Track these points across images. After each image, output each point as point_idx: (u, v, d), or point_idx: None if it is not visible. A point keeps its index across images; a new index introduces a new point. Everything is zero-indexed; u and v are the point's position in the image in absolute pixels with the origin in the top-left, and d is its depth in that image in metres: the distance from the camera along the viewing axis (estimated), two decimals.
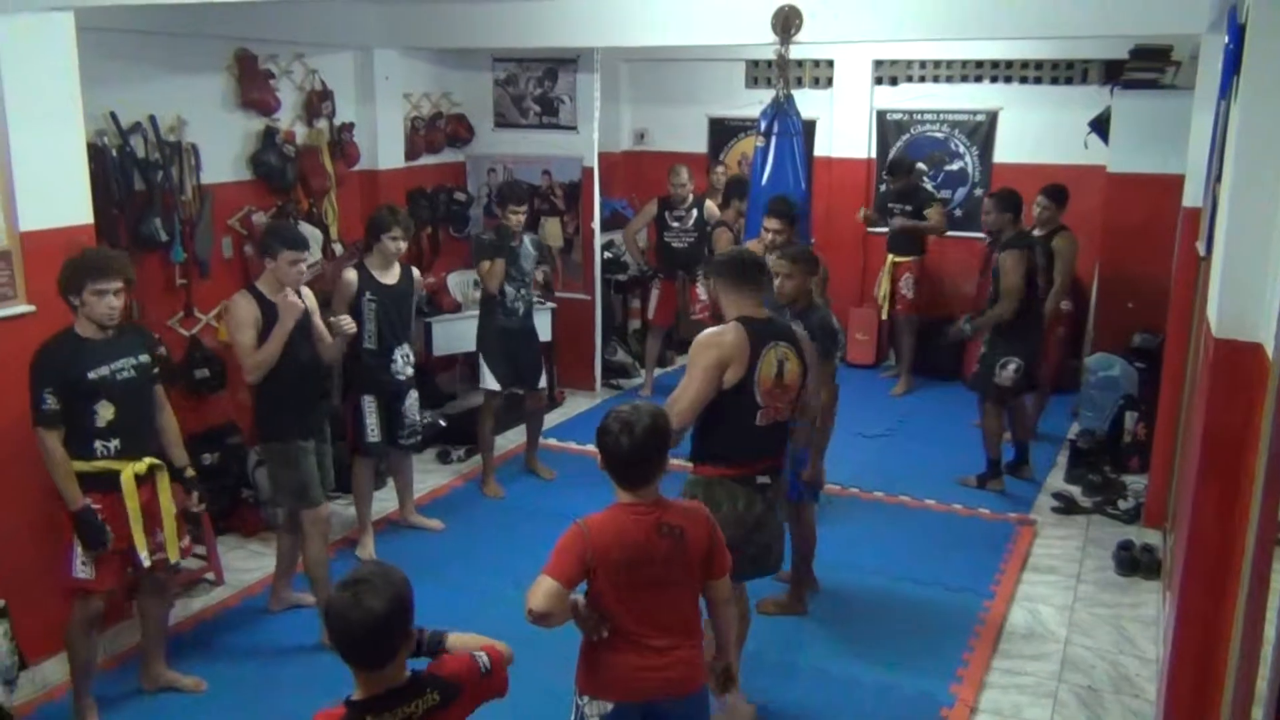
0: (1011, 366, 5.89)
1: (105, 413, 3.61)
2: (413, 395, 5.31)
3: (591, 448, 6.31)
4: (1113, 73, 7.62)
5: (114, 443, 3.65)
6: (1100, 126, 7.35)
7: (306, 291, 4.50)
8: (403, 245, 5.07)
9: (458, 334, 6.97)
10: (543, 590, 2.57)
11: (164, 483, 3.83)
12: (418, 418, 5.36)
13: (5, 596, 3.45)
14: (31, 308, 4.02)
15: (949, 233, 7.91)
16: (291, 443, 4.35)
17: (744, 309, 3.54)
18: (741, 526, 3.49)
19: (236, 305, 4.26)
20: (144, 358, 3.76)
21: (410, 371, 5.28)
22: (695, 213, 7.51)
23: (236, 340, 4.25)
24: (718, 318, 4.11)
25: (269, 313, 4.23)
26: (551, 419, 6.86)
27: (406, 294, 5.17)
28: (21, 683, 3.73)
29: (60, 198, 4.11)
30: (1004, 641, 4.52)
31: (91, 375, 3.56)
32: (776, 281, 4.31)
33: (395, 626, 2.18)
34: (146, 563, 3.76)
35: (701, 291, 7.59)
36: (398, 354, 5.17)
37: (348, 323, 4.55)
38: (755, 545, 3.59)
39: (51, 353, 3.58)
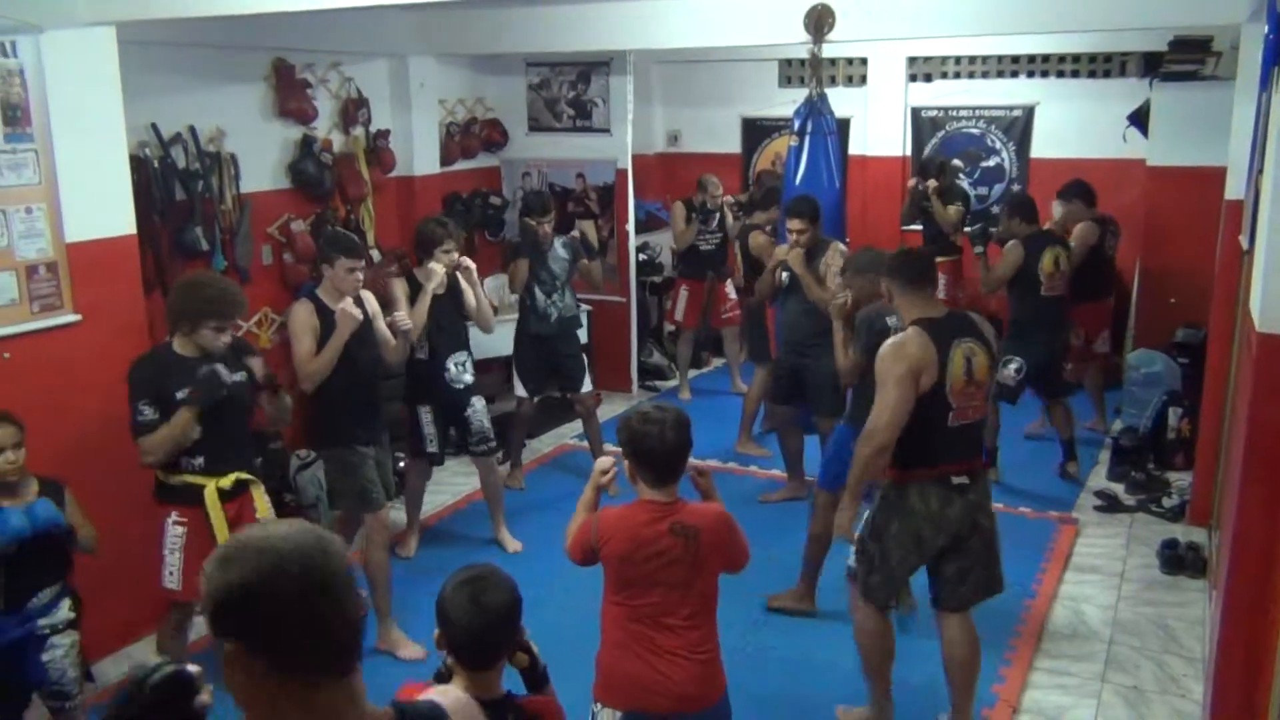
0: (1013, 366, 5.87)
1: (194, 433, 3.64)
2: (478, 402, 5.28)
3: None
4: (1152, 65, 7.52)
5: (199, 460, 3.69)
6: (1139, 119, 7.26)
7: (369, 296, 4.56)
8: (455, 257, 5.07)
9: (493, 339, 7.00)
10: (570, 555, 2.87)
11: (259, 497, 3.82)
12: (486, 424, 5.29)
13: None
14: (78, 317, 4.10)
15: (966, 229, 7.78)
16: (351, 449, 4.40)
17: (921, 309, 3.47)
18: (939, 529, 3.44)
19: (296, 313, 4.33)
20: (238, 375, 3.74)
21: (468, 379, 5.26)
22: (719, 214, 7.54)
23: (295, 348, 4.29)
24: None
25: (328, 321, 4.27)
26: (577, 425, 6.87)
27: (457, 302, 5.18)
28: None
29: (104, 209, 4.20)
30: (1046, 641, 4.48)
31: (180, 395, 3.58)
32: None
33: (512, 622, 2.21)
34: None
35: (730, 291, 7.59)
36: (451, 362, 5.18)
37: (404, 319, 4.61)
38: (970, 556, 3.51)
39: (144, 367, 3.65)
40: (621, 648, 2.80)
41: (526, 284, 5.90)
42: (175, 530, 3.70)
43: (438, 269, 4.82)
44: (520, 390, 6.04)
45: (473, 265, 5.15)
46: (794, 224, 5.24)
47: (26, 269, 3.93)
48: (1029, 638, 4.48)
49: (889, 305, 3.97)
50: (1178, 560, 5.07)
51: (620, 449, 2.86)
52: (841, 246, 5.27)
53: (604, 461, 2.94)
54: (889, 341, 3.45)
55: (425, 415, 5.22)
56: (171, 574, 3.72)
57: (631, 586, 2.77)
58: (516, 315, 6.09)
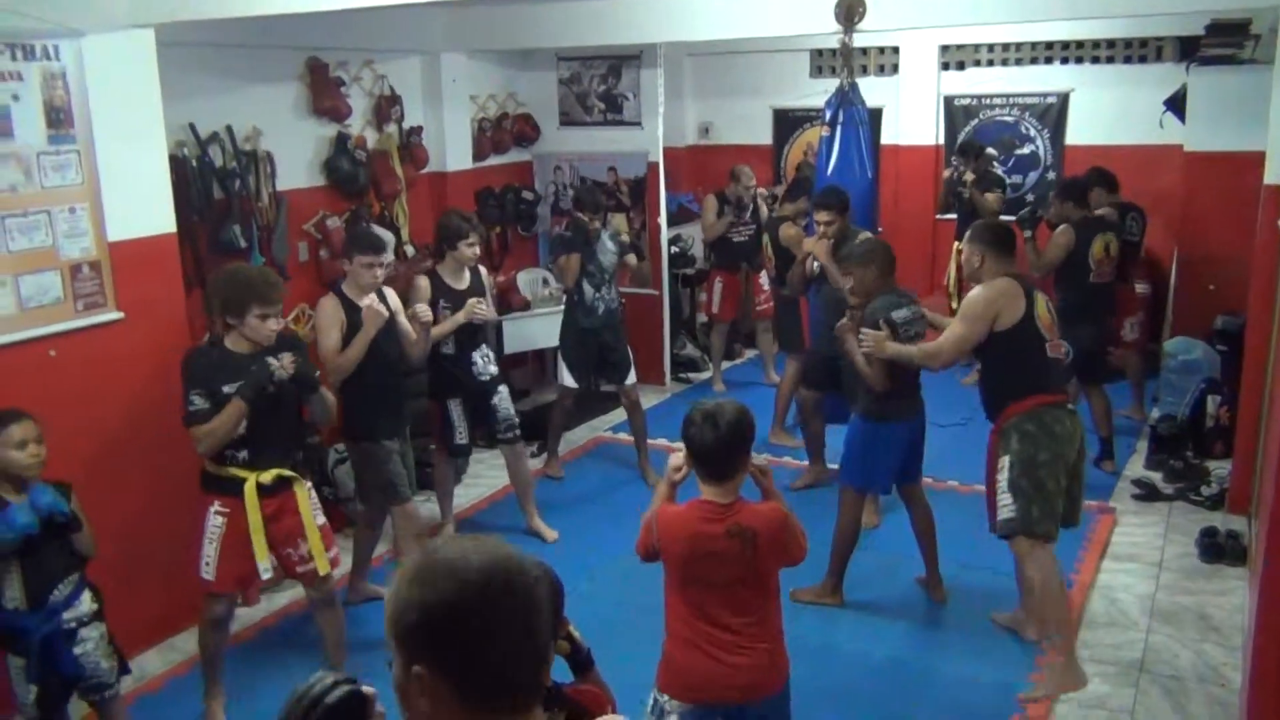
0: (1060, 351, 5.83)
1: (240, 423, 3.69)
2: (502, 390, 5.37)
3: (664, 441, 6.39)
4: (1188, 49, 7.42)
5: (243, 453, 3.75)
6: (1176, 105, 7.18)
7: (391, 293, 4.63)
8: (477, 250, 5.14)
9: (528, 332, 7.06)
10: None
11: (302, 495, 3.86)
12: (512, 411, 5.39)
13: (109, 590, 3.56)
14: (120, 315, 4.18)
15: (1005, 217, 7.72)
16: (378, 443, 4.47)
17: (1008, 270, 3.99)
18: (1073, 446, 3.93)
19: (322, 308, 4.41)
20: (285, 374, 3.76)
21: (493, 370, 5.36)
22: (752, 206, 7.54)
23: (320, 342, 4.38)
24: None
25: (354, 316, 4.35)
26: (621, 414, 6.90)
27: (479, 296, 5.24)
28: None
29: (146, 208, 4.28)
30: (1084, 630, 4.45)
31: (226, 389, 3.63)
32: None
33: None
34: (267, 573, 3.86)
35: (765, 282, 7.59)
36: (476, 356, 5.26)
37: (424, 311, 4.68)
38: (1079, 475, 4.03)
39: (196, 359, 3.72)
40: (686, 643, 2.83)
41: (575, 279, 5.94)
42: (215, 520, 3.76)
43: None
44: (568, 380, 6.09)
45: (396, 304, 4.78)
46: (822, 215, 5.29)
47: (70, 268, 4.01)
48: None
49: (892, 294, 4.36)
50: (1217, 549, 5.02)
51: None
52: (869, 236, 5.26)
53: (676, 458, 2.89)
54: (981, 287, 3.99)
55: (454, 408, 5.29)
56: (208, 564, 3.78)
57: (692, 585, 2.81)
58: (554, 309, 6.13)
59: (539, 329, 6.69)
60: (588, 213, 5.92)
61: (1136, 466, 6.19)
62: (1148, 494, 5.76)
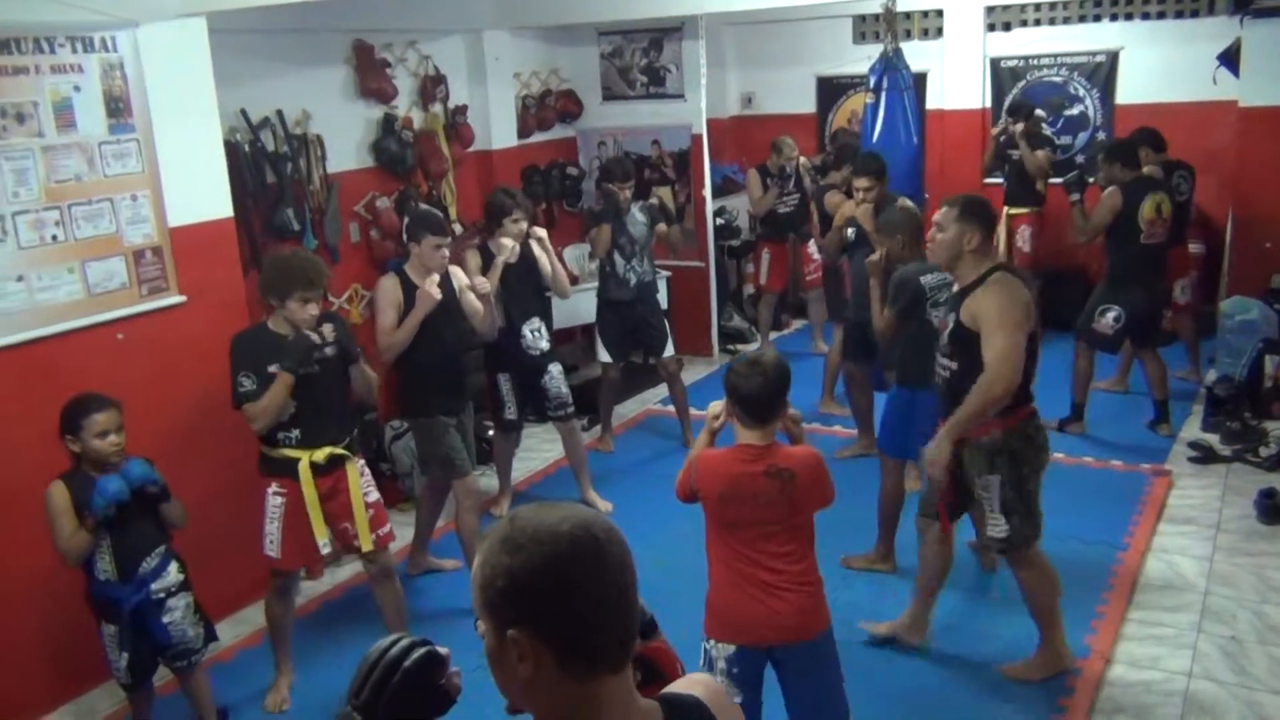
0: (1111, 315, 5.82)
1: (289, 407, 3.79)
2: (554, 369, 5.41)
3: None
4: (1242, 1, 7.25)
5: (294, 432, 3.84)
6: (1230, 59, 7.03)
7: (456, 271, 4.71)
8: (524, 226, 5.18)
9: (575, 307, 7.10)
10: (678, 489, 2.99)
11: (352, 472, 3.96)
12: (564, 389, 5.42)
13: (191, 565, 3.68)
14: (183, 298, 4.30)
15: (1053, 180, 7.61)
16: (434, 418, 4.56)
17: (993, 257, 3.69)
18: (1047, 456, 3.73)
19: (382, 286, 4.50)
20: (329, 350, 3.86)
21: (545, 345, 5.38)
22: (794, 175, 7.52)
23: (377, 319, 4.48)
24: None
25: (412, 296, 4.44)
26: (661, 390, 6.95)
27: (530, 269, 5.28)
28: None
29: (203, 193, 4.38)
30: (1140, 593, 4.45)
31: (272, 369, 3.73)
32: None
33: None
34: (326, 549, 3.97)
35: (814, 252, 7.57)
36: (526, 329, 5.30)
37: (483, 282, 4.75)
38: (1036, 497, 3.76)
39: (242, 342, 3.82)
40: (730, 586, 2.91)
41: (607, 250, 5.97)
42: (275, 501, 3.87)
43: (507, 241, 4.96)
44: (604, 356, 6.15)
45: (544, 233, 5.28)
46: (861, 182, 5.32)
47: (134, 254, 4.13)
48: (1121, 590, 4.45)
49: (917, 263, 4.22)
50: (1276, 510, 4.97)
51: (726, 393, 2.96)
52: (908, 203, 5.24)
53: (715, 406, 3.02)
54: (1001, 287, 3.53)
55: (504, 383, 5.36)
56: (271, 542, 3.90)
57: (733, 527, 2.89)
58: (597, 283, 6.17)
59: (586, 304, 6.74)
60: (616, 181, 5.92)
61: (1193, 428, 6.12)
62: (1205, 456, 5.70)
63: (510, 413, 5.40)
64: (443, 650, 1.36)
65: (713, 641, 2.94)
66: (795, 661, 2.96)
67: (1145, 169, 6.11)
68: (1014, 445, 3.61)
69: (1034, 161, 7.37)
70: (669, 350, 6.22)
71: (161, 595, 3.53)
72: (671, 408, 6.52)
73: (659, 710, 1.36)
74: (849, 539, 4.72)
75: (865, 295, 5.37)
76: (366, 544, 3.98)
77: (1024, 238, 7.60)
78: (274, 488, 3.88)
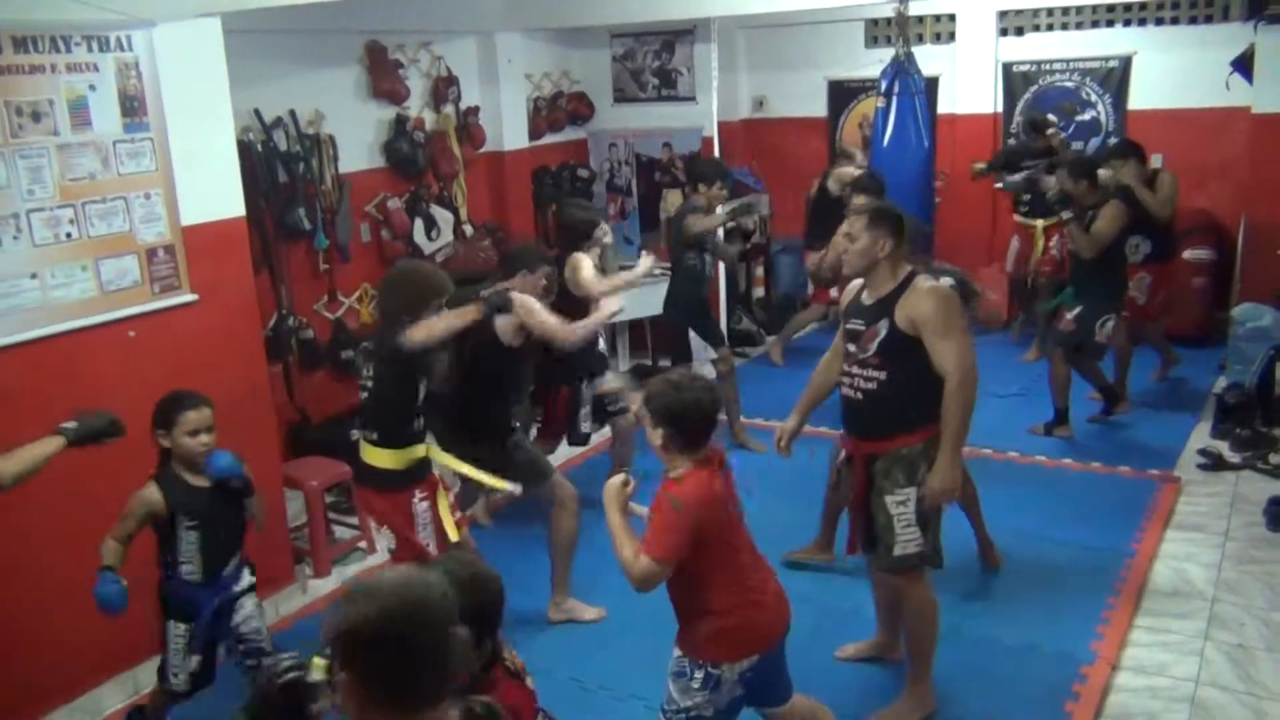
0: (1110, 324, 5.85)
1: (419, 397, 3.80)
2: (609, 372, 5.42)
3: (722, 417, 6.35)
4: (1256, 7, 7.20)
5: (418, 422, 3.82)
6: (1244, 65, 7.01)
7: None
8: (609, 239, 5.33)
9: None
10: (651, 575, 2.79)
11: (437, 453, 3.98)
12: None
13: None
14: (195, 297, 4.32)
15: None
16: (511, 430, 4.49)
17: (910, 260, 3.62)
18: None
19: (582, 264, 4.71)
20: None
21: (603, 347, 5.42)
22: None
23: (546, 320, 4.24)
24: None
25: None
26: None
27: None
28: None
29: (216, 193, 4.40)
30: (1147, 600, 4.44)
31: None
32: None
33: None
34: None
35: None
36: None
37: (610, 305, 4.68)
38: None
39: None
40: (744, 605, 2.89)
41: (685, 259, 5.94)
42: (422, 507, 3.79)
43: (651, 258, 5.09)
44: (711, 352, 6.11)
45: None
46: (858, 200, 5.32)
47: (147, 252, 4.15)
48: (1129, 596, 4.44)
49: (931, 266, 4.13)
50: None
51: (653, 421, 2.84)
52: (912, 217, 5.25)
53: (617, 480, 2.93)
54: (941, 291, 3.47)
55: (585, 391, 5.24)
56: (430, 545, 3.78)
57: (728, 545, 2.88)
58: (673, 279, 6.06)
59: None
60: (707, 183, 5.84)
61: (1202, 435, 6.10)
62: (1214, 463, 5.69)
63: (587, 424, 5.30)
64: (313, 678, 1.59)
65: (725, 665, 2.87)
66: (780, 650, 3.04)
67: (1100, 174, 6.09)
68: (933, 453, 3.45)
69: (1044, 185, 7.33)
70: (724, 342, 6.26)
71: (234, 596, 3.53)
72: None
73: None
74: (793, 538, 4.78)
75: None
76: (454, 533, 3.90)
77: (1056, 245, 7.49)
78: (419, 495, 3.79)
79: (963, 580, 4.67)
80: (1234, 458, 5.74)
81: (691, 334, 6.06)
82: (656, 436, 2.84)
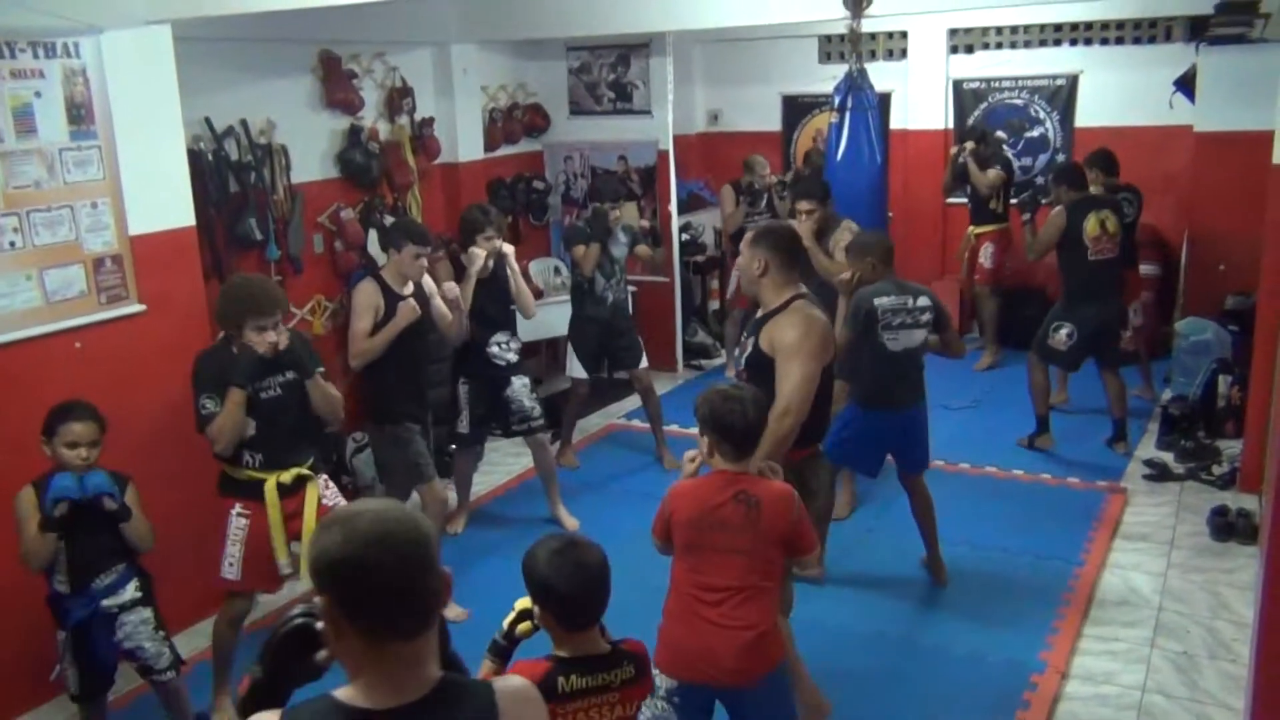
0: (1064, 331, 5.96)
1: (249, 428, 3.75)
2: (517, 382, 5.32)
3: (676, 428, 6.42)
4: (1198, 29, 7.41)
5: (259, 456, 3.80)
6: (1186, 85, 7.18)
7: (427, 279, 4.75)
8: (497, 244, 5.17)
9: (540, 321, 7.09)
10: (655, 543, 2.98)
11: (311, 494, 3.90)
12: (527, 403, 5.31)
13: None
14: (143, 307, 4.25)
15: (1013, 200, 7.68)
16: (401, 425, 4.60)
17: (795, 287, 3.55)
18: (822, 501, 3.59)
19: (362, 290, 4.54)
20: (290, 374, 3.81)
21: (512, 357, 5.33)
22: (766, 195, 7.57)
23: (353, 324, 4.50)
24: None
25: (390, 303, 4.48)
26: (635, 401, 6.96)
27: (500, 283, 5.26)
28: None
29: (165, 202, 4.34)
30: (1096, 609, 4.51)
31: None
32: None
33: (608, 581, 2.39)
34: (286, 570, 3.90)
35: None
36: (495, 341, 5.27)
37: (452, 287, 4.81)
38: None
39: (207, 362, 3.75)
40: (679, 618, 2.90)
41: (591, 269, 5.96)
42: (238, 522, 3.81)
43: (479, 253, 5.01)
44: (579, 371, 6.14)
45: (511, 250, 5.27)
46: (803, 205, 5.45)
47: (94, 262, 4.08)
48: (1078, 605, 4.51)
49: (880, 284, 4.27)
50: (1228, 527, 5.06)
51: (700, 425, 2.96)
52: (852, 225, 5.31)
53: (691, 455, 3.07)
54: (808, 321, 3.43)
55: (463, 393, 5.33)
56: (231, 564, 3.82)
57: (694, 552, 2.88)
58: (568, 298, 6.17)
59: (552, 318, 6.74)
60: (606, 202, 5.96)
61: (1148, 447, 6.22)
62: (1159, 474, 5.79)
63: (463, 425, 5.36)
64: (318, 625, 1.56)
65: (658, 671, 2.83)
66: (741, 704, 2.94)
67: (1092, 189, 6.24)
68: (791, 480, 3.31)
69: (982, 180, 7.51)
70: (643, 363, 6.24)
71: (114, 610, 3.48)
72: (636, 422, 6.52)
73: (442, 680, 1.56)
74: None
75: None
76: (282, 554, 3.90)
77: (986, 255, 7.71)
78: (237, 509, 3.82)
79: (914, 590, 4.72)
80: (1179, 469, 5.86)
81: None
82: (703, 443, 2.96)
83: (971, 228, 7.79)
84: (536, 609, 2.36)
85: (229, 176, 5.42)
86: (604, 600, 2.38)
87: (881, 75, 7.47)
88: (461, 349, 5.27)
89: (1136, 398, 6.79)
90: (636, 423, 6.80)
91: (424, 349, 4.71)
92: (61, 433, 3.34)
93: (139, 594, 3.55)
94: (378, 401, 4.66)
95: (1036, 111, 8.36)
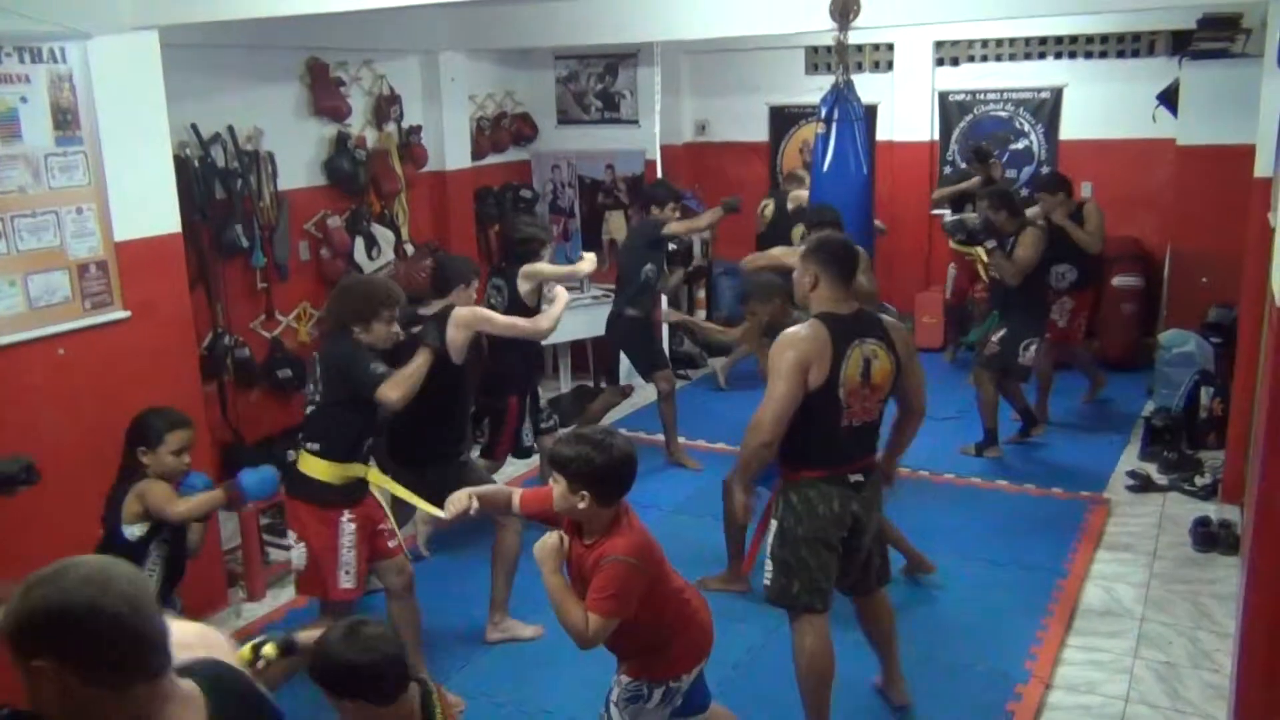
0: (1034, 348, 6.08)
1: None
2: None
3: (660, 436, 6.39)
4: (1181, 43, 7.48)
5: (368, 441, 3.78)
6: (1169, 99, 7.24)
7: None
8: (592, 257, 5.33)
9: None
10: (604, 633, 2.73)
11: (374, 475, 3.90)
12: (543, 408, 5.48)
13: None
14: (127, 314, 4.23)
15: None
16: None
17: (832, 304, 3.34)
18: (842, 526, 3.38)
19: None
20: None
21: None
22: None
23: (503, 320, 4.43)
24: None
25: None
26: (620, 410, 6.95)
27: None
28: None
29: (151, 208, 4.32)
30: (1079, 619, 4.52)
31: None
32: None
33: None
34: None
35: None
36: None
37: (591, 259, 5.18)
38: (863, 549, 3.51)
39: (346, 345, 3.67)
40: (687, 622, 2.97)
41: (644, 270, 5.98)
42: (349, 529, 3.68)
43: (591, 257, 5.18)
44: (653, 370, 6.11)
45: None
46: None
47: (78, 267, 4.06)
48: (1061, 616, 4.52)
49: (799, 315, 3.96)
50: (1210, 537, 5.09)
51: (570, 482, 2.73)
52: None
53: (552, 539, 2.85)
54: (786, 331, 3.36)
55: (528, 404, 5.27)
56: (348, 573, 3.70)
57: (665, 573, 2.93)
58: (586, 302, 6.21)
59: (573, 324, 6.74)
60: (660, 204, 5.99)
61: (1131, 458, 6.25)
62: (1142, 485, 5.82)
63: (528, 437, 5.30)
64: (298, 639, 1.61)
65: (684, 676, 2.96)
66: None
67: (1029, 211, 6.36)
68: (791, 498, 3.38)
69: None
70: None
71: None
72: (641, 433, 6.47)
73: (199, 693, 1.52)
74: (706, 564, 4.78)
75: None
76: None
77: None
78: (348, 515, 3.69)
79: (898, 599, 4.71)
80: (1161, 479, 5.89)
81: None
82: (579, 500, 2.71)
83: (980, 249, 7.63)
84: None
85: (215, 183, 5.42)
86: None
87: (868, 87, 7.48)
88: (524, 365, 5.18)
89: (1085, 403, 7.05)
90: (642, 434, 6.78)
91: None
92: (169, 441, 3.40)
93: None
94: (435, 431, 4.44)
95: (1021, 124, 8.42)
